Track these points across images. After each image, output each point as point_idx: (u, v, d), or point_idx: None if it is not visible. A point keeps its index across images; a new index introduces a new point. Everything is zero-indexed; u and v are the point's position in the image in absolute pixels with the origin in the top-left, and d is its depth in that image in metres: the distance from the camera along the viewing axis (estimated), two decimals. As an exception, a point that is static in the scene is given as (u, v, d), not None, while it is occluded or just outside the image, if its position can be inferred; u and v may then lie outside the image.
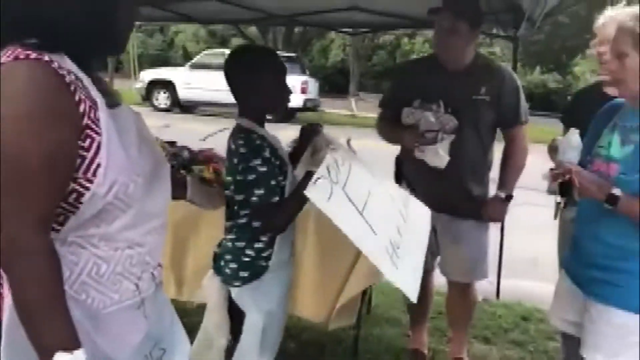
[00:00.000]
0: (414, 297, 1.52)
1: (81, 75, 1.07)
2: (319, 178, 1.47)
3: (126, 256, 1.16)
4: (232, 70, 1.84)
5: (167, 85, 14.94)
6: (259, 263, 1.82)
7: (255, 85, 1.79)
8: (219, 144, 3.29)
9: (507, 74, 2.54)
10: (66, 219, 1.08)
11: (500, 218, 2.59)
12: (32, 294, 1.00)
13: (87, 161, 1.05)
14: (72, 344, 1.01)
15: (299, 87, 13.51)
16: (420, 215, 2.02)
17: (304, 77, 14.93)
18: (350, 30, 5.57)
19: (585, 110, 2.51)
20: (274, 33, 19.68)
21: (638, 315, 1.70)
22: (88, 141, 1.05)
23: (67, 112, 1.02)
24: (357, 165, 1.73)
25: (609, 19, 2.35)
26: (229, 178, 1.79)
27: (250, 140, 1.74)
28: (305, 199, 1.51)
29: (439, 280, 2.89)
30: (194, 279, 2.46)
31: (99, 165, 1.05)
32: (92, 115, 1.05)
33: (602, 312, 1.76)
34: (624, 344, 1.72)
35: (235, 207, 1.80)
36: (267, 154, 1.74)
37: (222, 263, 1.85)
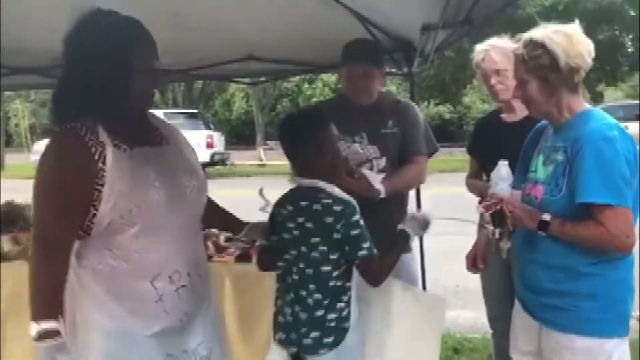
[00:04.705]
0: None
1: (103, 135, 1.50)
2: None
3: (138, 259, 1.54)
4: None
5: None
6: (342, 325, 1.75)
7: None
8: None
9: (410, 107, 2.60)
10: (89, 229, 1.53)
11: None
12: None
13: (99, 193, 1.48)
14: None
15: (204, 142, 13.35)
16: None
17: (209, 132, 14.79)
18: (248, 80, 5.55)
19: (486, 138, 2.60)
20: (173, 91, 19.47)
21: (597, 339, 1.67)
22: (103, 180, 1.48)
23: (82, 163, 1.48)
24: None
25: (485, 53, 2.47)
26: (315, 239, 1.72)
27: (339, 198, 1.73)
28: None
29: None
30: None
31: (106, 194, 1.48)
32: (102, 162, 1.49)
33: (561, 341, 1.72)
34: None
35: (326, 268, 1.73)
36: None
37: (296, 334, 1.75)
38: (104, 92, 1.48)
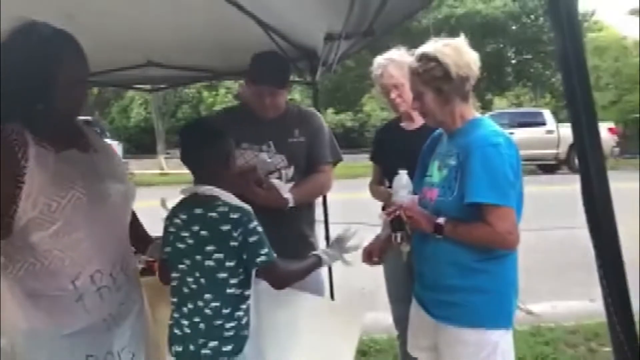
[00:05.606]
0: None
1: (28, 136, 1.53)
2: None
3: (58, 257, 1.56)
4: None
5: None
6: (240, 334, 1.74)
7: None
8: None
9: (315, 116, 2.63)
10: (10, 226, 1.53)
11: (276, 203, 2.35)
12: None
13: (20, 190, 1.49)
14: None
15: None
16: None
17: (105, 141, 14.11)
18: (148, 87, 5.36)
19: (388, 146, 2.70)
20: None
21: (485, 330, 1.81)
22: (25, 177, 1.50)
23: (4, 162, 1.49)
24: None
25: (383, 68, 2.56)
26: (210, 247, 1.70)
27: (236, 206, 1.72)
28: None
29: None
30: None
31: (27, 190, 1.50)
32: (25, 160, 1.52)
33: (456, 335, 1.83)
34: None
35: (222, 275, 1.71)
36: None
37: (194, 346, 1.72)
38: (30, 100, 1.54)
